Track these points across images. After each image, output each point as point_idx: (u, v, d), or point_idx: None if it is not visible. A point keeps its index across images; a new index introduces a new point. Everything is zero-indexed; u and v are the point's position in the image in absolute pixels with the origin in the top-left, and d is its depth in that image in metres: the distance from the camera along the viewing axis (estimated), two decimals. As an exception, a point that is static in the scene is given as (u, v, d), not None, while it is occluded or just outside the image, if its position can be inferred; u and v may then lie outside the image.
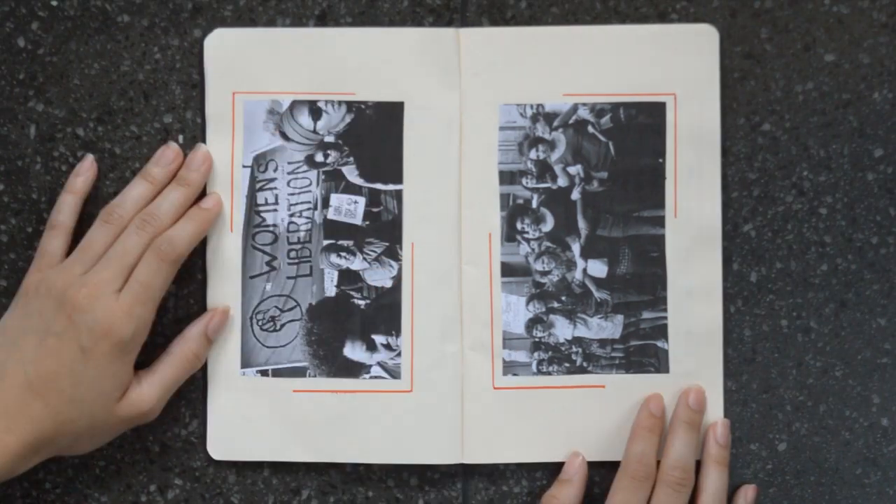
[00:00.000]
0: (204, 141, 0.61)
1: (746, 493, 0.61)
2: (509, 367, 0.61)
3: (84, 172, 0.60)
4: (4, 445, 0.53)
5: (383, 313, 0.61)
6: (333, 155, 0.61)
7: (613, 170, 0.61)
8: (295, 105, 0.61)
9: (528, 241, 0.61)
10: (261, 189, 0.61)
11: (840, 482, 0.62)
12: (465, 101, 0.61)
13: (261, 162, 0.61)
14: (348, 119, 0.61)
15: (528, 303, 0.61)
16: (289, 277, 0.61)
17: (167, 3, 0.61)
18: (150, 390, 0.58)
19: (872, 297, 0.61)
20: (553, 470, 0.61)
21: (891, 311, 0.61)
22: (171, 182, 0.60)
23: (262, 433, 0.61)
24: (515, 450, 0.61)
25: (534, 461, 0.61)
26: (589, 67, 0.61)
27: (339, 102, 0.61)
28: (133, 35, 0.61)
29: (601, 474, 0.61)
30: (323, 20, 0.61)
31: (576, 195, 0.61)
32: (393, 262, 0.61)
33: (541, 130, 0.61)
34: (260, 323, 0.61)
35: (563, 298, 0.61)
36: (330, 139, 0.61)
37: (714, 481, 0.59)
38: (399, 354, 0.61)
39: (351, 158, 0.61)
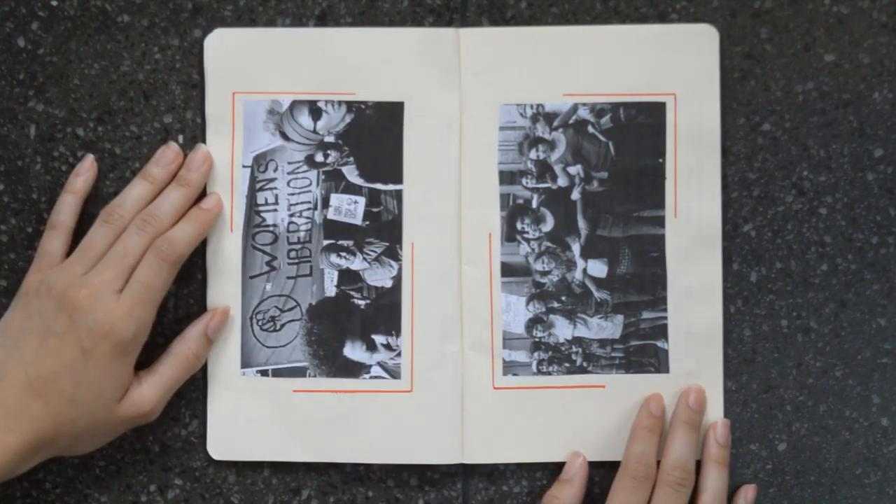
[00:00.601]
0: (204, 141, 0.61)
1: (746, 493, 0.61)
2: (509, 367, 0.61)
3: (84, 172, 0.60)
4: (4, 445, 0.53)
5: (383, 313, 0.61)
6: (333, 155, 0.61)
7: (613, 170, 0.61)
8: (295, 105, 0.61)
9: (528, 241, 0.61)
10: (261, 189, 0.61)
11: (840, 482, 0.62)
12: (465, 101, 0.61)
13: (261, 162, 0.61)
14: (348, 119, 0.61)
15: (528, 303, 0.61)
16: (289, 277, 0.61)
17: (167, 3, 0.61)
18: (151, 390, 0.58)
19: (872, 297, 0.61)
20: (553, 470, 0.61)
21: (891, 311, 0.61)
22: (172, 182, 0.60)
23: (262, 433, 0.61)
24: (515, 450, 0.61)
25: (534, 461, 0.61)
26: (589, 67, 0.61)
27: (339, 102, 0.61)
28: (133, 35, 0.61)
29: (601, 474, 0.61)
30: (323, 20, 0.61)
31: (576, 195, 0.61)
32: (393, 262, 0.61)
33: (541, 130, 0.61)
34: (260, 323, 0.61)
35: (563, 298, 0.61)
36: (330, 139, 0.61)
37: (714, 481, 0.59)
38: (399, 354, 0.61)
39: (351, 158, 0.61)
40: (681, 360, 0.61)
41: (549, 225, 0.61)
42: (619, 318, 0.61)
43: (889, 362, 0.62)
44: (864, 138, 0.61)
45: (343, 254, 0.61)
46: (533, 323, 0.61)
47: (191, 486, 0.62)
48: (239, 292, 0.61)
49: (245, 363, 0.61)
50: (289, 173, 0.61)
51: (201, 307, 0.61)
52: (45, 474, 0.62)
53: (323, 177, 0.61)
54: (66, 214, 0.59)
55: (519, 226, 0.61)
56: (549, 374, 0.61)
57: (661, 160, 0.61)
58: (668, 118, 0.61)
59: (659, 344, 0.61)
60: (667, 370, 0.61)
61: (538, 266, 0.61)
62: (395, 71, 0.61)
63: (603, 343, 0.61)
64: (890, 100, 0.61)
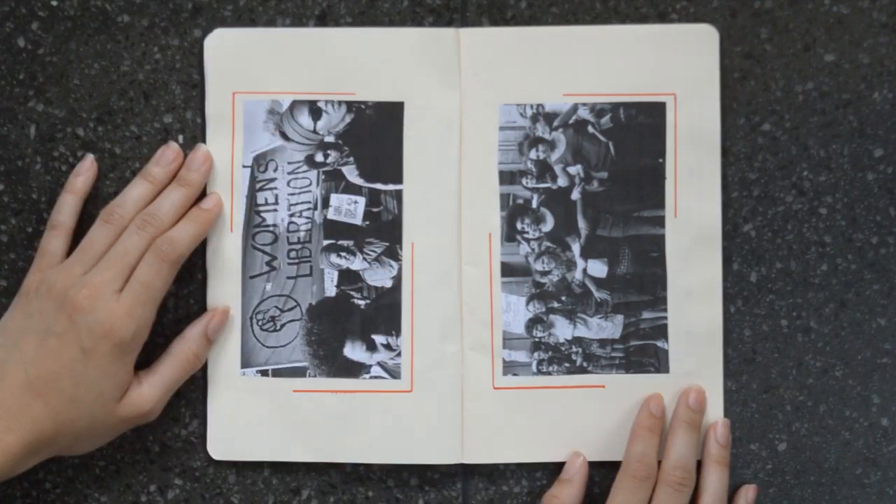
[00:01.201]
0: (204, 141, 0.61)
1: (747, 493, 0.61)
2: (509, 367, 0.61)
3: (84, 172, 0.60)
4: (4, 445, 0.53)
5: (383, 313, 0.61)
6: (333, 155, 0.61)
7: (613, 170, 0.61)
8: (295, 105, 0.61)
9: (528, 241, 0.61)
10: (261, 189, 0.61)
11: (840, 482, 0.62)
12: (465, 101, 0.61)
13: (261, 162, 0.61)
14: (348, 119, 0.61)
15: (528, 303, 0.61)
16: (289, 277, 0.61)
17: (167, 3, 0.61)
18: (151, 390, 0.58)
19: (872, 297, 0.61)
20: (553, 470, 0.61)
21: (891, 311, 0.61)
22: (172, 182, 0.60)
23: (262, 433, 0.61)
24: (515, 450, 0.61)
25: (534, 461, 0.61)
26: (589, 67, 0.61)
27: (339, 102, 0.61)
28: (133, 35, 0.61)
29: (601, 474, 0.61)
30: (323, 20, 0.61)
31: (576, 195, 0.61)
32: (393, 262, 0.61)
33: (541, 130, 0.61)
34: (260, 323, 0.61)
35: (563, 298, 0.61)
36: (330, 139, 0.61)
37: (715, 481, 0.59)
38: (399, 354, 0.61)
39: (351, 158, 0.61)
40: (681, 360, 0.61)
41: (549, 225, 0.61)
42: (619, 318, 0.61)
43: (889, 362, 0.62)
44: (864, 138, 0.61)
45: (343, 254, 0.61)
46: (533, 323, 0.61)
47: (191, 486, 0.62)
48: (239, 292, 0.61)
49: (245, 363, 0.61)
50: (289, 173, 0.61)
51: (201, 307, 0.61)
52: (45, 474, 0.62)
53: (323, 177, 0.61)
54: (66, 214, 0.59)
55: (519, 226, 0.61)
56: (549, 374, 0.61)
57: (661, 160, 0.61)
58: (668, 118, 0.61)
59: (659, 344, 0.61)
60: (667, 370, 0.61)
61: (538, 266, 0.61)
62: (395, 71, 0.61)
63: (603, 343, 0.61)
64: (890, 100, 0.61)
